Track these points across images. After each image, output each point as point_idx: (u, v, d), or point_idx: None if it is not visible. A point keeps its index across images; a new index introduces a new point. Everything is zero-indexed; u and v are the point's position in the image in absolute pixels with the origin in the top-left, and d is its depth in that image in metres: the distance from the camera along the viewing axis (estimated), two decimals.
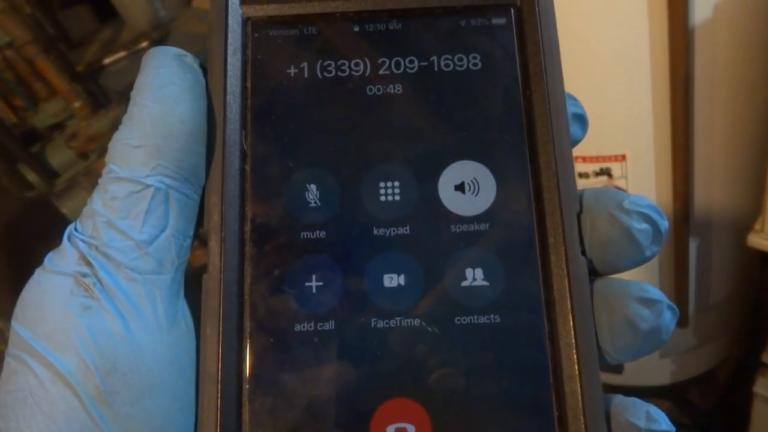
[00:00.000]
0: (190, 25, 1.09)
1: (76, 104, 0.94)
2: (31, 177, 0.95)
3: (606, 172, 0.63)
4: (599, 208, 0.19)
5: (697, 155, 0.62)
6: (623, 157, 0.62)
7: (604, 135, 0.62)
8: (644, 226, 0.19)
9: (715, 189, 0.66)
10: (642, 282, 0.19)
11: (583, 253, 0.19)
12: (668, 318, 0.18)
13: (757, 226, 0.60)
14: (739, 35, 0.59)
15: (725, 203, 0.67)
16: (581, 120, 0.21)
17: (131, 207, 0.18)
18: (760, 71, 0.62)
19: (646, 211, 0.19)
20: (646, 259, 0.19)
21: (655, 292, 0.19)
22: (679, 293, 0.70)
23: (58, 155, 0.97)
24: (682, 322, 0.71)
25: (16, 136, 0.97)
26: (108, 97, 1.01)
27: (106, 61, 1.08)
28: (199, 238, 0.20)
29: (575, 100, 0.21)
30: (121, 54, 1.09)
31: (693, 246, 0.68)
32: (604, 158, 0.63)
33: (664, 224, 0.19)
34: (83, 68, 1.05)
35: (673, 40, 0.56)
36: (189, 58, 0.20)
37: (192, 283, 0.19)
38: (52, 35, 1.00)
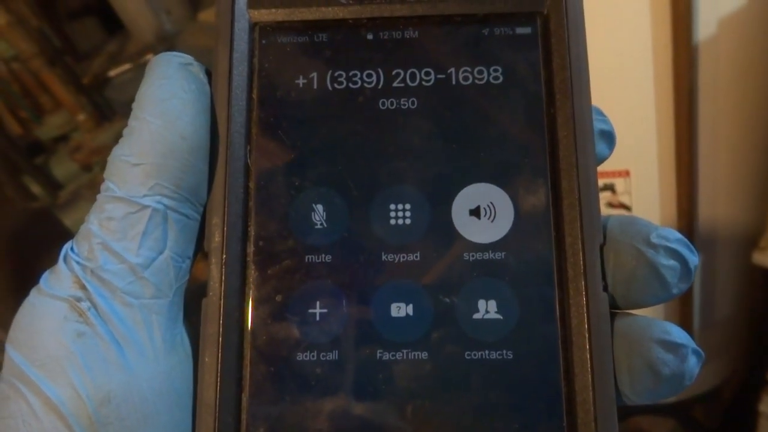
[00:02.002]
0: (195, 38, 1.10)
1: (81, 117, 0.94)
2: (35, 188, 0.96)
3: (610, 188, 0.63)
4: (625, 240, 0.18)
5: (701, 172, 0.62)
6: (627, 173, 0.62)
7: None
8: (672, 262, 0.17)
9: (719, 205, 0.65)
10: (666, 322, 0.18)
11: (605, 288, 0.18)
12: (692, 363, 0.17)
13: (762, 243, 0.59)
14: (743, 52, 0.59)
15: (730, 220, 0.67)
16: (609, 137, 0.20)
17: (128, 229, 0.17)
18: (765, 88, 0.61)
19: (674, 246, 0.18)
20: (672, 297, 0.18)
21: (680, 335, 0.17)
22: (683, 310, 0.69)
23: (62, 167, 0.97)
24: None
25: (21, 147, 0.97)
26: (113, 109, 1.01)
27: (112, 73, 1.09)
28: (202, 252, 0.19)
29: (603, 115, 0.20)
30: (127, 66, 1.09)
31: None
32: (607, 174, 0.63)
33: (694, 260, 0.18)
34: (89, 80, 1.06)
35: (677, 57, 0.56)
36: (194, 67, 0.19)
37: (193, 302, 0.19)
38: (58, 48, 1.01)
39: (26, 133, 1.00)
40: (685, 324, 0.69)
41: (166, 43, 1.09)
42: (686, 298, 0.68)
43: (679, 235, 0.18)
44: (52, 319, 0.17)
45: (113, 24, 1.16)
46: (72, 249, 0.18)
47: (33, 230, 1.02)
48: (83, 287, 0.17)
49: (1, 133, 0.95)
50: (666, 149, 0.61)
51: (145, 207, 0.17)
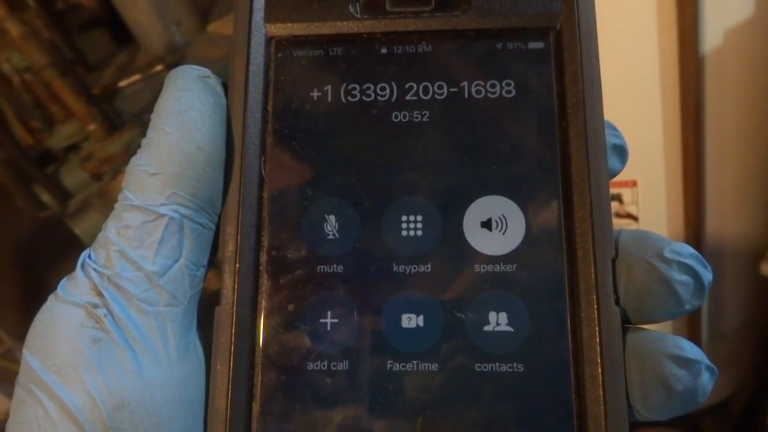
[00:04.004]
0: (204, 49, 1.11)
1: (91, 127, 0.95)
2: (45, 197, 0.96)
3: (617, 198, 0.63)
4: (637, 255, 0.18)
5: (708, 182, 0.62)
6: (634, 183, 0.62)
7: None
8: (685, 278, 0.17)
9: (726, 216, 0.65)
10: (679, 338, 0.17)
11: (617, 302, 0.18)
12: (706, 379, 0.17)
13: None
14: (749, 63, 0.59)
15: (737, 230, 0.66)
16: (621, 152, 0.20)
17: (144, 237, 0.18)
18: None
19: (688, 261, 0.17)
20: (685, 312, 0.18)
21: (693, 351, 0.17)
22: (691, 321, 0.69)
23: (72, 176, 0.98)
24: None
25: (32, 157, 0.98)
26: (122, 119, 1.02)
27: (122, 84, 1.10)
28: (215, 264, 0.19)
29: (615, 129, 0.20)
30: (136, 77, 1.10)
31: None
32: (615, 184, 0.63)
33: (708, 276, 0.18)
34: (99, 91, 1.07)
35: (683, 68, 0.56)
36: (212, 80, 0.19)
37: (206, 310, 0.19)
38: (69, 59, 1.02)
39: (37, 142, 1.01)
40: (694, 336, 0.68)
41: (176, 54, 1.10)
42: None
43: (692, 250, 0.18)
44: (69, 326, 0.17)
45: (123, 35, 1.17)
46: (89, 256, 0.18)
47: (43, 239, 1.03)
48: (100, 294, 0.17)
49: (12, 142, 0.96)
50: (673, 159, 0.61)
51: (162, 216, 0.18)
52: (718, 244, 0.66)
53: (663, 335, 0.17)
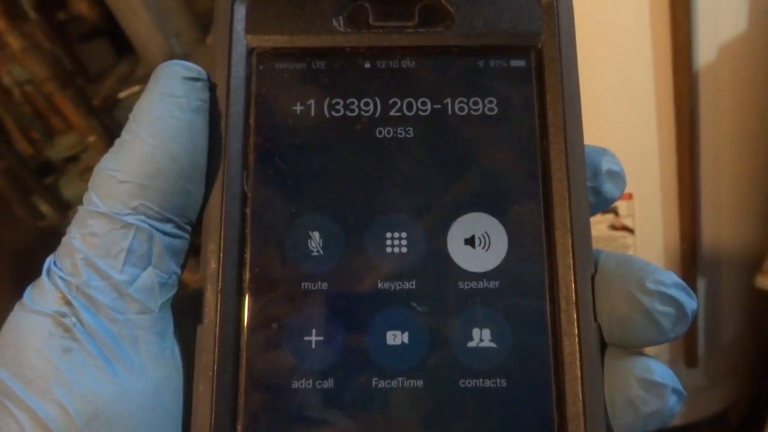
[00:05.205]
0: (204, 61, 1.11)
1: (91, 138, 0.95)
2: (44, 208, 0.96)
3: (612, 211, 0.63)
4: (620, 283, 0.18)
5: (703, 195, 0.62)
6: (630, 196, 0.62)
7: None
8: (667, 308, 0.17)
9: (722, 228, 0.65)
10: (651, 360, 0.18)
11: (596, 318, 0.18)
12: (672, 402, 0.17)
13: (765, 267, 0.59)
14: (742, 77, 0.59)
15: (733, 243, 0.67)
16: (617, 178, 0.19)
17: (111, 245, 0.17)
18: (765, 112, 0.62)
19: (670, 291, 0.17)
20: (669, 340, 0.18)
21: (662, 374, 0.17)
22: (688, 332, 0.69)
23: (71, 187, 0.98)
24: (692, 361, 0.70)
25: (32, 167, 0.99)
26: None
27: (122, 95, 1.10)
28: (194, 251, 0.19)
29: (610, 154, 0.20)
30: (137, 88, 1.11)
31: (702, 285, 0.67)
32: None
33: (692, 305, 0.18)
34: (99, 102, 1.07)
35: (677, 82, 0.57)
36: (199, 84, 0.19)
37: (182, 311, 0.18)
38: (70, 70, 1.02)
39: (37, 153, 1.01)
40: (691, 347, 0.68)
41: None
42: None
43: (676, 279, 0.18)
44: (37, 335, 0.17)
45: (124, 46, 1.18)
46: (55, 263, 0.18)
47: (41, 249, 1.03)
48: (68, 303, 0.17)
49: (12, 153, 0.96)
50: (668, 172, 0.61)
51: (129, 225, 0.17)
52: (714, 256, 0.66)
53: (635, 357, 0.18)
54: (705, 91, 0.58)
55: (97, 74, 1.22)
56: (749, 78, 0.60)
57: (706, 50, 0.56)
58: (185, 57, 1.13)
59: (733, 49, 0.57)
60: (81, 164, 0.98)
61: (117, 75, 1.20)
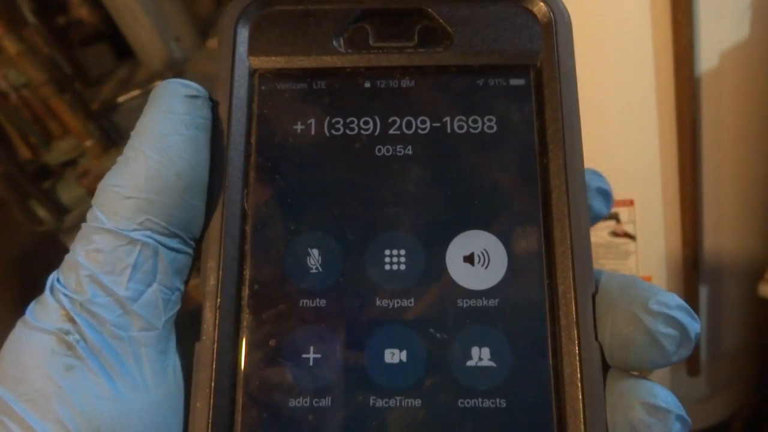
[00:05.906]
0: (204, 65, 1.11)
1: (89, 143, 0.95)
2: (42, 212, 0.96)
3: (614, 217, 0.63)
4: (623, 305, 0.17)
5: (705, 201, 0.62)
6: (631, 203, 0.62)
7: (612, 180, 0.62)
8: (670, 330, 0.17)
9: (724, 235, 0.65)
10: (655, 384, 0.17)
11: (597, 338, 0.18)
12: (676, 429, 0.17)
13: None
14: (744, 83, 0.59)
15: (735, 250, 0.66)
16: (606, 196, 0.20)
17: (116, 262, 0.17)
18: (767, 118, 0.62)
19: (674, 313, 0.17)
20: (672, 363, 0.17)
21: (666, 399, 0.17)
22: None
23: (69, 192, 0.98)
24: (694, 370, 0.69)
25: (29, 172, 0.98)
26: (121, 135, 1.03)
27: (120, 99, 1.10)
28: (196, 268, 0.19)
29: (600, 175, 0.20)
30: (136, 93, 1.11)
31: (703, 293, 0.66)
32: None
33: (695, 328, 0.17)
34: (98, 106, 1.07)
35: (679, 88, 0.56)
36: (200, 101, 0.19)
37: (185, 326, 0.18)
38: (68, 75, 1.02)
39: (35, 157, 1.01)
40: (693, 356, 0.68)
41: (175, 69, 1.11)
42: None
43: (679, 301, 0.18)
44: (39, 353, 0.16)
45: (123, 51, 1.18)
46: (58, 280, 0.17)
47: (39, 254, 1.03)
48: (72, 320, 0.17)
49: (10, 157, 0.96)
50: (670, 178, 0.61)
51: (135, 241, 0.17)
52: (716, 263, 0.66)
53: (638, 380, 0.17)
54: (707, 98, 0.57)
55: (97, 78, 1.23)
56: (751, 84, 0.60)
57: (708, 56, 0.56)
58: (185, 61, 1.13)
59: (735, 55, 0.57)
60: (79, 168, 0.98)
61: (116, 79, 1.20)
